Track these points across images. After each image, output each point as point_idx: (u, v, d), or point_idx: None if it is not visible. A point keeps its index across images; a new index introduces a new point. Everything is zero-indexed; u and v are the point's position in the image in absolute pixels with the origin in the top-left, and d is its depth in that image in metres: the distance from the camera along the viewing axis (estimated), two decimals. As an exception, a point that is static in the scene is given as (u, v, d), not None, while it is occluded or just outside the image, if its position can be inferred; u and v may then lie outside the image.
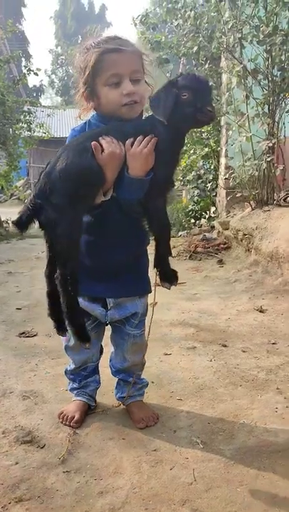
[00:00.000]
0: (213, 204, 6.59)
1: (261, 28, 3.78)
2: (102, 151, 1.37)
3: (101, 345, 1.84)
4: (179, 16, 4.59)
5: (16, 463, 1.51)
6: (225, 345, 2.46)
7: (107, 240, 1.56)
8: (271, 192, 4.18)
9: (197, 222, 6.78)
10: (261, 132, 4.21)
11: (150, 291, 1.72)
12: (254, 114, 4.06)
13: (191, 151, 6.50)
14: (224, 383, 2.04)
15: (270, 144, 3.90)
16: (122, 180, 1.42)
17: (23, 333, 2.73)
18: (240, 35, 3.82)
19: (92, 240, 1.56)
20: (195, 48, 5.30)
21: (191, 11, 4.35)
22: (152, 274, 1.64)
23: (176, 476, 1.44)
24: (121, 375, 1.80)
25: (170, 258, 1.57)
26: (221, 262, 4.41)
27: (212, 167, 6.47)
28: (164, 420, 1.76)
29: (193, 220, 6.80)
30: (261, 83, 4.02)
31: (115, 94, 1.44)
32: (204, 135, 6.28)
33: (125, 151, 1.40)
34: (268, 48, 3.83)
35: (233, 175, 4.39)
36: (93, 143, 1.37)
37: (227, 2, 3.97)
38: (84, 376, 1.80)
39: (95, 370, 1.83)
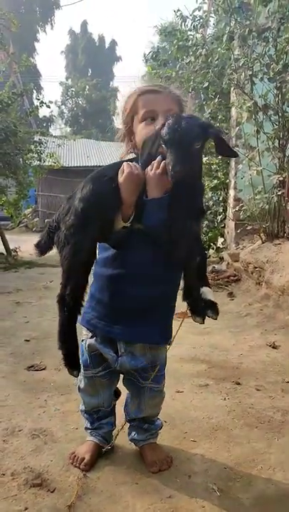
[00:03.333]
0: (222, 235, 6.59)
1: (271, 66, 3.85)
2: None
3: (118, 389, 1.78)
4: (191, 53, 4.71)
5: (26, 508, 1.44)
6: (238, 383, 2.40)
7: (129, 273, 1.50)
8: (282, 225, 4.18)
9: (205, 253, 6.77)
10: (271, 166, 4.24)
11: (168, 343, 1.62)
12: (264, 148, 4.10)
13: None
14: (239, 424, 1.98)
15: (281, 178, 3.92)
16: (145, 208, 1.42)
17: (32, 366, 2.68)
18: (250, 73, 3.90)
19: (113, 274, 1.52)
20: (206, 84, 5.43)
21: (202, 48, 4.46)
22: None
23: (192, 527, 1.37)
24: (135, 422, 1.74)
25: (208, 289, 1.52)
26: (231, 294, 4.37)
27: (220, 199, 6.51)
28: (177, 464, 1.69)
29: (201, 251, 6.80)
30: (271, 118, 4.07)
31: (149, 129, 1.48)
32: (213, 167, 6.34)
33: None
34: (278, 84, 3.90)
35: (243, 208, 4.41)
36: (120, 169, 1.42)
37: (237, 40, 4.07)
38: (96, 418, 1.75)
39: (111, 413, 1.77)
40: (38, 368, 2.65)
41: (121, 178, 1.41)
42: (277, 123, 4.02)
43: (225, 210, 6.33)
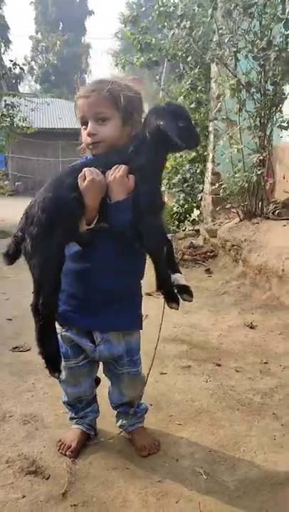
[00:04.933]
0: (198, 207, 6.64)
1: (256, 42, 3.80)
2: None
3: (97, 377, 1.85)
4: (175, 25, 4.58)
5: (23, 496, 1.51)
6: (219, 364, 2.51)
7: (95, 267, 1.58)
8: (260, 204, 4.24)
9: (181, 224, 6.83)
10: (252, 144, 4.26)
11: (139, 328, 1.71)
12: (246, 126, 4.10)
13: (178, 154, 6.51)
14: (221, 407, 2.09)
15: (261, 157, 3.95)
16: (110, 211, 1.49)
17: (17, 347, 2.71)
18: (235, 49, 3.84)
19: (80, 268, 1.59)
20: (189, 58, 5.33)
21: (186, 21, 4.34)
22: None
23: (182, 510, 1.47)
24: (120, 408, 1.82)
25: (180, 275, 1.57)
26: (208, 271, 4.46)
27: (198, 171, 6.51)
28: (165, 448, 1.79)
29: (177, 223, 6.85)
30: (254, 96, 4.05)
31: (84, 134, 1.58)
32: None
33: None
34: (262, 62, 3.86)
35: (223, 186, 4.44)
36: (79, 175, 1.45)
37: (221, 10, 3.96)
38: (80, 408, 1.81)
39: (93, 400, 1.84)
40: (23, 349, 2.68)
41: (83, 185, 1.44)
42: (259, 101, 4.01)
43: (202, 182, 6.35)
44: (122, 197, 1.46)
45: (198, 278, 4.30)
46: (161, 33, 5.57)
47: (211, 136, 5.85)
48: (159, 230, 1.53)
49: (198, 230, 6.07)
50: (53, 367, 1.53)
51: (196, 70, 5.83)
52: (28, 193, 14.67)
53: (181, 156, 6.53)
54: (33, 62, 36.93)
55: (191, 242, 5.14)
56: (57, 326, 1.64)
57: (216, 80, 4.11)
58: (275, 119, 4.05)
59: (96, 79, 1.66)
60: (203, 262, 4.66)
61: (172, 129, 1.42)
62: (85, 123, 1.56)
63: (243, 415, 2.02)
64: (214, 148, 5.75)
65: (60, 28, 37.43)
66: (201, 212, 6.30)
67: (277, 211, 4.02)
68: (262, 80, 3.94)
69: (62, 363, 1.68)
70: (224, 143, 4.37)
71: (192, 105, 5.87)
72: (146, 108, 1.66)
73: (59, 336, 1.64)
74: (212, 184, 5.64)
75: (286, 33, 3.75)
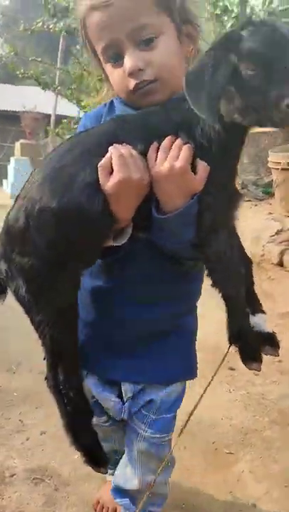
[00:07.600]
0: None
1: None
2: (112, 173, 0.81)
3: None
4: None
5: None
6: (232, 368, 2.17)
7: (128, 291, 0.98)
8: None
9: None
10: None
11: (193, 376, 1.15)
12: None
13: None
14: (266, 423, 1.75)
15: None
16: (156, 226, 0.88)
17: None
18: None
19: (105, 289, 0.99)
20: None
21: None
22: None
23: None
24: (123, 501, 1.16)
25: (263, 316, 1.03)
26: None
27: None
28: (229, 488, 1.41)
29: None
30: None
31: (120, 74, 0.90)
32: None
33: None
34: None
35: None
36: (99, 164, 0.80)
37: None
38: (119, 458, 1.22)
39: None
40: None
41: (109, 186, 0.80)
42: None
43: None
44: (180, 203, 0.83)
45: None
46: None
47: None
48: (236, 254, 0.92)
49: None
50: (97, 461, 0.99)
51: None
52: None
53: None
54: None
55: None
56: None
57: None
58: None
59: None
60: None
61: (200, 84, 0.74)
62: (112, 56, 0.90)
63: (298, 431, 1.71)
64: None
65: None
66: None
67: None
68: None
69: None
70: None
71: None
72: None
73: None
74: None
75: None
